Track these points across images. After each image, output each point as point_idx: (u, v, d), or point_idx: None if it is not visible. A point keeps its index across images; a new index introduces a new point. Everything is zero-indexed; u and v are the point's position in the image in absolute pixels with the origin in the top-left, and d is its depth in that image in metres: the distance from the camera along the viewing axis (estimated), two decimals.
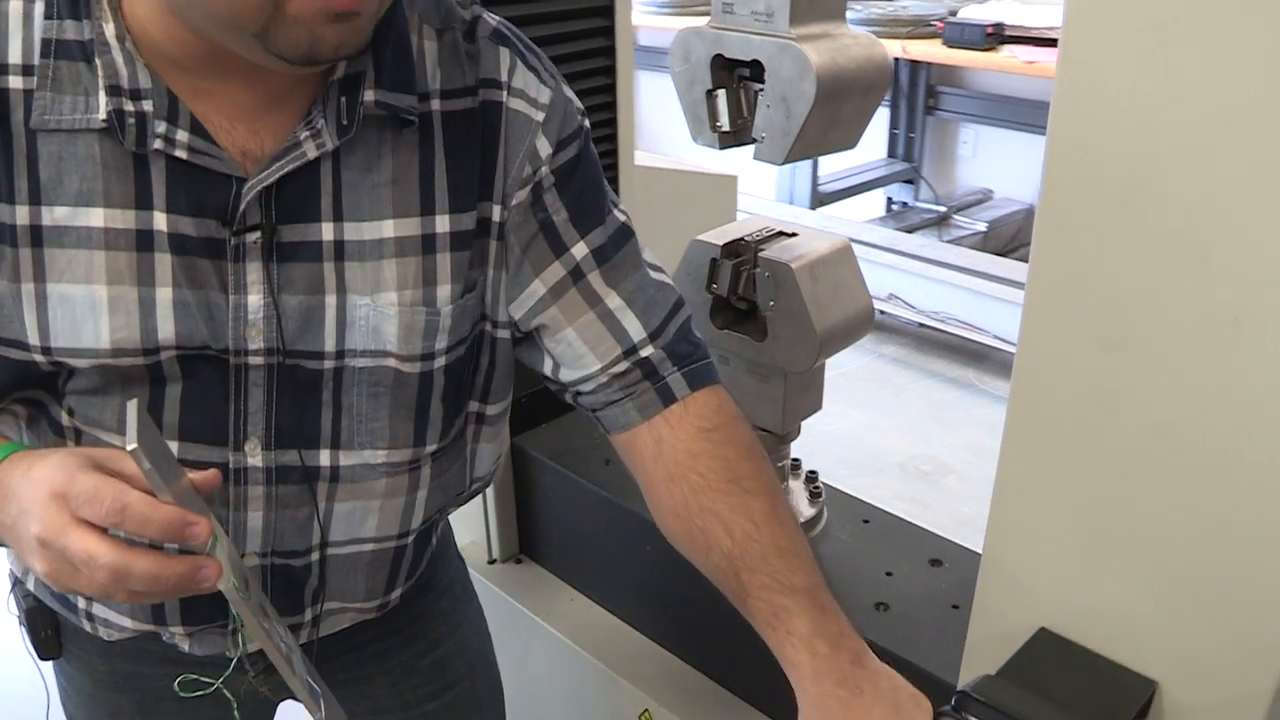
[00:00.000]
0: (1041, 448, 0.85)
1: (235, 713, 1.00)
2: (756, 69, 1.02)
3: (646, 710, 1.32)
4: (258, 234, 0.79)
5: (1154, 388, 0.77)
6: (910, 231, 4.27)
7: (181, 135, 0.76)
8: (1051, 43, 3.50)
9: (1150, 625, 0.83)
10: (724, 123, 1.07)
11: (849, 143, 1.08)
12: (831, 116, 1.01)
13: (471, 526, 1.59)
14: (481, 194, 0.86)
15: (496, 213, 0.87)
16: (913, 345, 3.95)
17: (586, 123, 0.92)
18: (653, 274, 0.94)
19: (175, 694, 1.04)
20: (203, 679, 0.92)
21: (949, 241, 4.20)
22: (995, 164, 4.70)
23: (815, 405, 1.23)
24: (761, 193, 4.52)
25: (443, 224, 0.84)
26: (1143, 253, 0.75)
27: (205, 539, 0.69)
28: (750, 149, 1.07)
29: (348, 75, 0.79)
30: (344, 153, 0.80)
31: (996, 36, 3.54)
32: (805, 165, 4.24)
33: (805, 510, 1.27)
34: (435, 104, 0.84)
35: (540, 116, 0.87)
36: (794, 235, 1.17)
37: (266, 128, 0.79)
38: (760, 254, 1.12)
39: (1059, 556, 0.86)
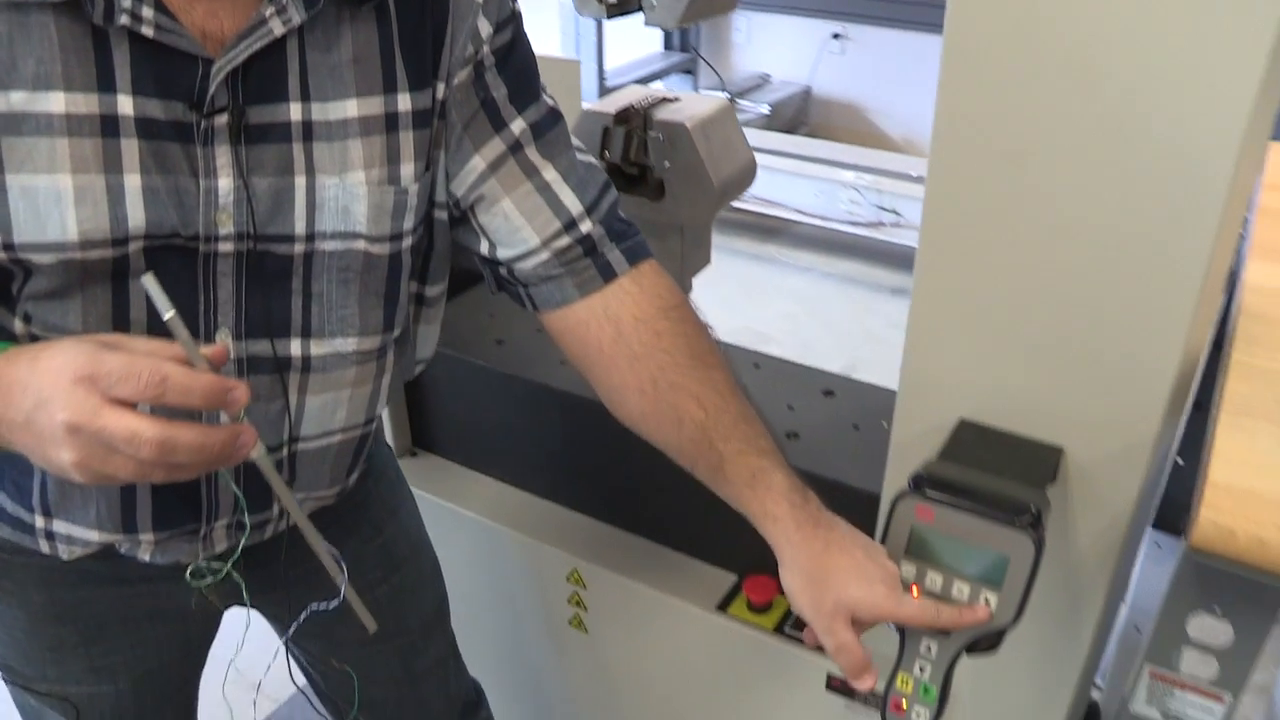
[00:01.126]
0: (951, 256, 0.95)
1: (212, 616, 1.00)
2: None
3: (574, 569, 1.38)
4: (226, 116, 0.79)
5: (1054, 191, 0.88)
6: None
7: (147, 11, 0.74)
8: None
9: (1053, 401, 0.96)
10: None
11: (731, 4, 1.14)
12: None
13: None
14: (434, 72, 0.87)
15: (441, 90, 0.89)
16: (715, 227, 4.09)
17: (519, 7, 0.94)
18: (581, 155, 0.98)
19: (120, 617, 1.04)
20: (212, 565, 0.93)
21: None
22: (770, 49, 4.87)
23: (705, 259, 1.31)
24: None
25: (404, 102, 0.86)
26: (1039, 70, 0.85)
27: (245, 402, 0.70)
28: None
29: None
30: (306, 32, 0.80)
31: None
32: (591, 62, 4.27)
33: None
34: None
35: None
36: (677, 99, 1.23)
37: (225, 8, 0.78)
38: (651, 118, 1.18)
39: (972, 352, 0.98)
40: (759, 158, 3.76)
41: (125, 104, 0.76)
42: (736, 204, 3.89)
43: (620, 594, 1.36)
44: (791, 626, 1.25)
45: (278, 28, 0.78)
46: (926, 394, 1.02)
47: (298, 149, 0.82)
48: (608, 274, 0.95)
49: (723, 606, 1.28)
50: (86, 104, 0.75)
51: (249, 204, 0.82)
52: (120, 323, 0.83)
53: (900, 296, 3.62)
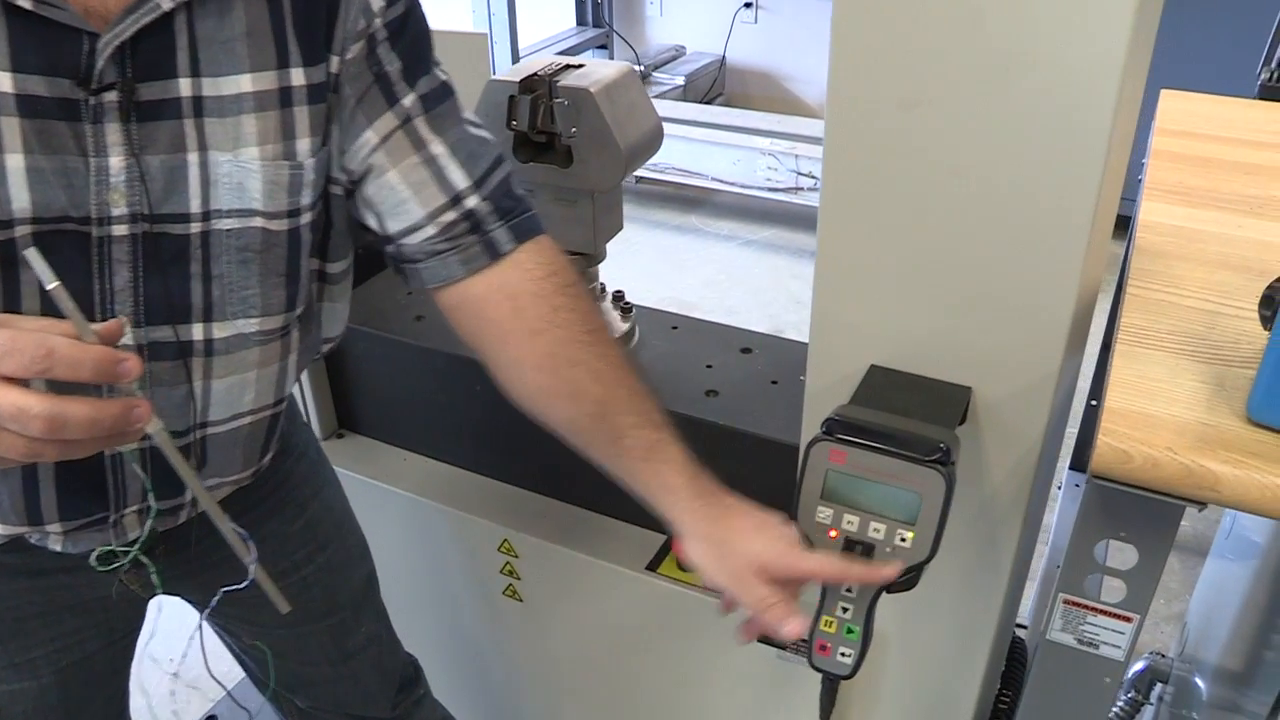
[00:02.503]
0: (853, 206, 0.97)
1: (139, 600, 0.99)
2: None
3: (505, 539, 1.39)
4: (116, 93, 0.77)
5: (947, 136, 0.90)
6: None
7: None
8: None
9: (959, 343, 0.99)
10: None
11: None
12: None
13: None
14: (327, 46, 0.87)
15: (334, 64, 0.88)
16: (635, 199, 4.11)
17: None
18: (474, 129, 0.97)
19: (39, 611, 1.03)
20: (117, 549, 0.92)
21: (654, 98, 4.35)
22: (682, 22, 4.87)
23: (618, 225, 1.32)
24: None
25: (298, 77, 0.85)
26: (925, 18, 0.87)
27: (138, 374, 0.68)
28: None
29: None
30: (196, 6, 0.79)
31: None
32: (504, 38, 4.24)
33: (620, 326, 1.37)
34: None
35: None
36: (582, 66, 1.23)
37: None
38: (557, 85, 1.18)
39: (879, 298, 1.00)
40: (676, 129, 3.79)
41: (4, 81, 0.73)
42: (657, 175, 3.90)
43: (552, 561, 1.37)
44: None
45: (165, 1, 0.77)
46: (837, 342, 1.04)
47: (190, 125, 0.81)
48: (493, 252, 0.94)
49: (652, 566, 1.30)
50: None
51: (143, 183, 0.80)
52: (11, 307, 0.80)
53: None
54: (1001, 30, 0.84)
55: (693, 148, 3.79)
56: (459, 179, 0.93)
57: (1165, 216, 1.16)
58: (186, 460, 0.90)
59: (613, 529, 1.37)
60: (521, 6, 4.28)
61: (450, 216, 0.93)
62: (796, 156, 3.71)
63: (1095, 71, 0.82)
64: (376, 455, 1.55)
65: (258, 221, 0.86)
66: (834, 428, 0.90)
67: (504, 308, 0.94)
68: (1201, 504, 0.82)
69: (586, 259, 1.31)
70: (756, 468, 1.14)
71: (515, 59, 4.37)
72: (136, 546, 0.92)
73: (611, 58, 4.90)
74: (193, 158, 0.82)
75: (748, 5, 4.78)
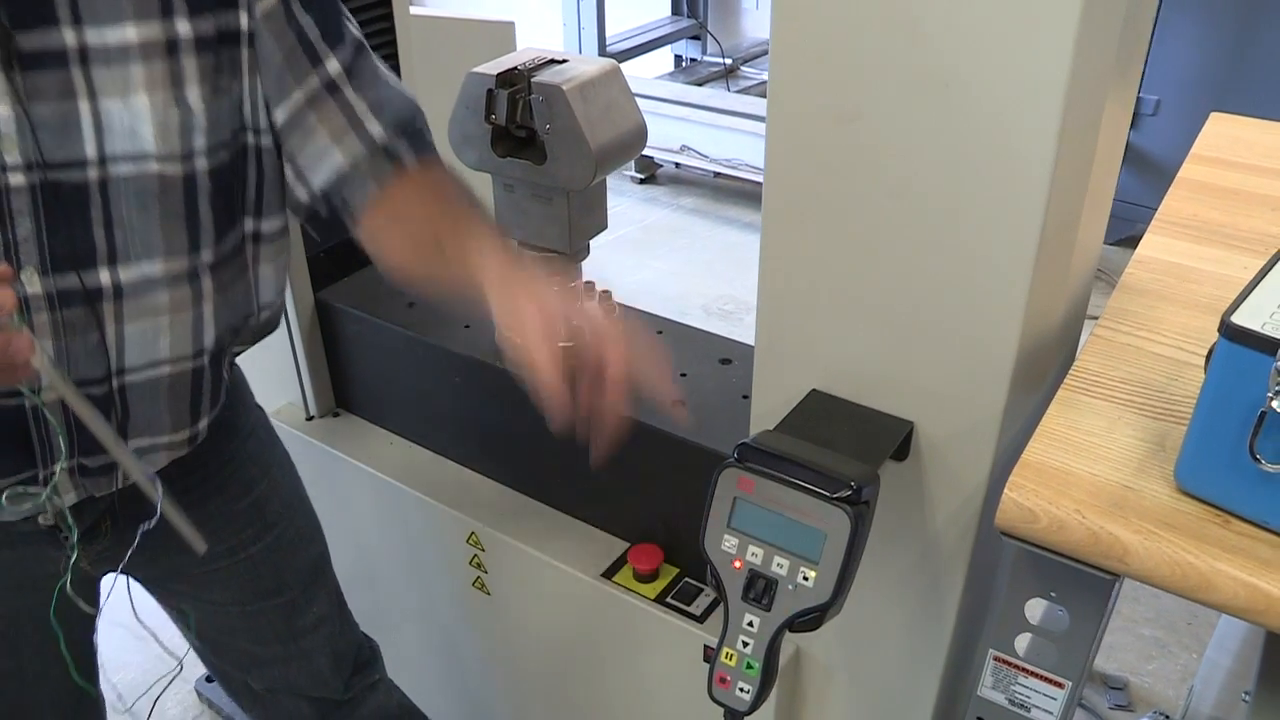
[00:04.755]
0: (794, 222, 0.93)
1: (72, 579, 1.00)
2: None
3: (473, 532, 1.38)
4: None
5: (885, 153, 0.86)
6: (699, 85, 4.34)
7: None
8: None
9: (900, 372, 0.94)
10: None
11: None
12: None
13: (287, 388, 1.61)
14: (223, 1, 0.88)
15: (244, 21, 0.89)
16: (708, 194, 4.06)
17: None
18: (391, 84, 1.00)
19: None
20: (29, 490, 0.93)
21: (737, 93, 4.30)
22: None
23: (600, 224, 1.29)
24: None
25: (184, 27, 0.85)
26: (864, 30, 0.82)
27: (10, 307, 0.71)
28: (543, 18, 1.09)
29: None
30: None
31: None
32: (592, 24, 4.22)
33: None
34: None
35: None
36: (565, 61, 1.21)
37: None
38: (533, 80, 1.16)
39: (820, 319, 0.96)
40: (754, 125, 3.73)
41: None
42: (727, 171, 3.85)
43: (515, 558, 1.35)
44: (674, 597, 1.24)
45: None
46: (779, 364, 1.00)
47: (77, 74, 0.82)
48: (399, 170, 0.99)
49: (608, 574, 1.27)
50: None
51: (32, 131, 0.81)
52: None
53: None
54: (939, 43, 0.79)
55: None
56: (378, 133, 0.97)
57: (1163, 251, 1.09)
58: (106, 415, 0.92)
59: (577, 532, 1.35)
60: None
61: (369, 159, 0.98)
62: None
63: (1037, 89, 0.77)
64: (363, 436, 1.55)
65: (153, 166, 0.88)
66: (745, 454, 0.87)
67: (391, 213, 0.99)
68: (1112, 574, 0.77)
69: (563, 257, 1.28)
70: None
71: (602, 47, 4.36)
72: (49, 487, 0.93)
73: (704, 50, 4.85)
74: (84, 105, 0.83)
75: None
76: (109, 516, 1.03)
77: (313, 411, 1.60)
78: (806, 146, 0.89)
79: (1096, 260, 1.16)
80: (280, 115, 0.94)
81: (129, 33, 0.83)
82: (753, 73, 4.51)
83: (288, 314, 1.53)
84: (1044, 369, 0.99)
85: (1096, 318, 0.98)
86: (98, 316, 0.90)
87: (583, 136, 1.13)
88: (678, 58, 5.01)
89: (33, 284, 0.86)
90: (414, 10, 1.57)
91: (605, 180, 1.24)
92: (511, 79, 1.17)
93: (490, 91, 1.18)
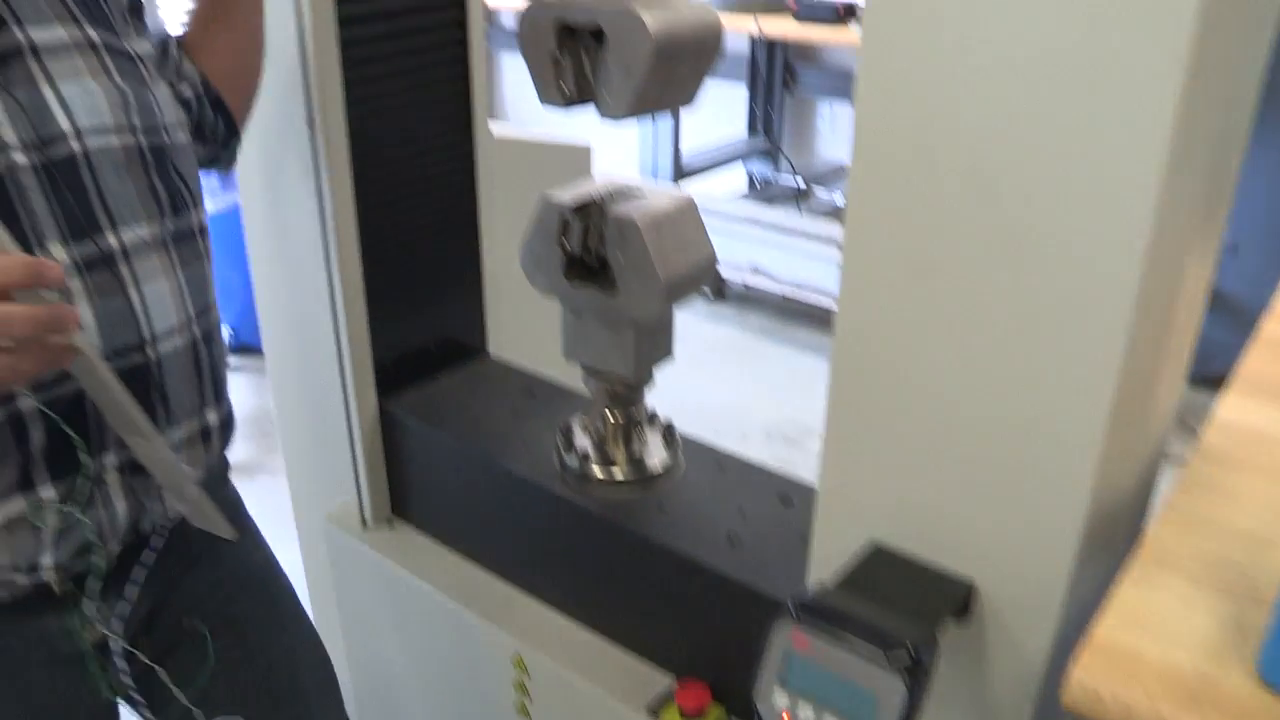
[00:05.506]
0: (864, 370, 0.92)
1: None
2: (598, 34, 1.07)
3: (519, 654, 1.36)
4: None
5: (959, 306, 0.85)
6: (772, 204, 4.39)
7: None
8: None
9: (964, 529, 0.91)
10: (568, 84, 1.12)
11: (685, 100, 1.14)
12: (667, 76, 1.07)
13: (344, 488, 1.61)
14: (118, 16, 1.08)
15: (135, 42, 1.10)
16: (776, 315, 4.06)
17: None
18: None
19: (39, 660, 1.05)
20: (80, 518, 1.01)
21: (809, 214, 4.33)
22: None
23: (666, 352, 1.29)
24: (625, 168, 4.59)
25: (91, 33, 1.03)
26: (940, 185, 0.82)
27: (59, 277, 0.81)
28: (619, 133, 1.13)
29: None
30: None
31: (848, 12, 3.66)
32: (667, 140, 4.30)
33: (662, 458, 1.33)
34: None
35: None
36: (639, 193, 1.22)
37: None
38: (607, 210, 1.17)
39: (885, 470, 0.94)
40: (823, 249, 3.75)
41: None
42: (794, 294, 3.86)
43: (560, 684, 1.33)
44: None
45: None
46: (842, 510, 0.98)
47: (34, 65, 0.97)
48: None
49: (654, 709, 1.24)
50: None
51: (24, 113, 0.94)
52: None
53: None
54: (1015, 201, 0.79)
55: (837, 270, 3.74)
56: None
57: (1244, 415, 1.06)
58: (149, 395, 1.03)
59: (625, 662, 1.32)
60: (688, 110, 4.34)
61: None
62: None
63: (1116, 251, 0.76)
64: (418, 547, 1.55)
65: (114, 139, 1.01)
66: (802, 610, 0.84)
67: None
68: None
69: (628, 386, 1.28)
70: (760, 626, 1.08)
71: (677, 165, 4.43)
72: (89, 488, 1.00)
73: (776, 168, 4.91)
74: (47, 90, 0.97)
75: None
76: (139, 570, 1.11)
77: (367, 516, 1.60)
78: (880, 295, 0.88)
79: (1173, 412, 1.13)
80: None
81: (59, 32, 1.00)
82: (826, 194, 4.55)
83: (350, 418, 1.54)
84: (1115, 531, 0.95)
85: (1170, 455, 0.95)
86: (119, 279, 1.00)
87: (654, 270, 1.14)
88: (750, 176, 5.08)
89: (59, 253, 0.96)
90: (495, 131, 1.61)
91: (674, 311, 1.24)
92: (586, 208, 1.19)
93: (564, 219, 1.19)
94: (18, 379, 0.83)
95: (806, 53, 4.58)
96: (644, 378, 1.28)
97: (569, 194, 1.21)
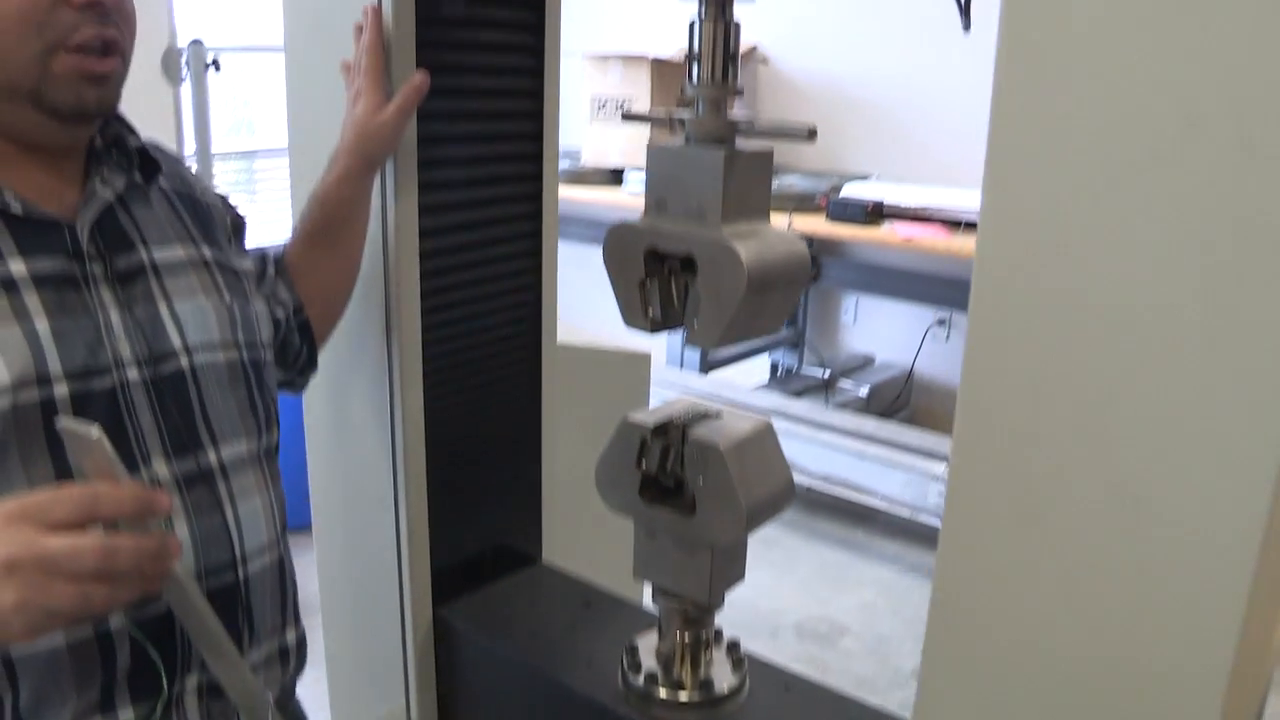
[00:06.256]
0: (965, 617, 0.91)
1: None
2: (687, 261, 1.10)
3: None
4: (100, 264, 1.00)
5: (1067, 559, 0.84)
6: (797, 396, 4.42)
7: (10, 198, 0.95)
8: (925, 219, 3.74)
9: None
10: (655, 310, 1.14)
11: (773, 329, 1.16)
12: (758, 306, 1.09)
13: (390, 694, 1.57)
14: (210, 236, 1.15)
15: (234, 260, 1.17)
16: (803, 508, 4.04)
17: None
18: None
19: None
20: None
21: (834, 406, 4.35)
22: (875, 331, 4.93)
23: (739, 575, 1.27)
24: (653, 358, 4.64)
25: (207, 252, 1.11)
26: (1053, 436, 0.83)
27: (169, 506, 0.82)
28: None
29: (106, 138, 1.06)
30: (127, 198, 1.05)
31: (876, 213, 3.77)
32: None
33: (729, 679, 1.30)
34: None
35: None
36: (718, 415, 1.23)
37: (66, 189, 1.01)
38: (689, 434, 1.18)
39: (987, 709, 0.91)
40: (850, 442, 3.76)
41: (18, 265, 0.94)
42: (821, 487, 3.84)
43: None
44: None
45: (105, 194, 1.03)
46: None
47: (154, 283, 1.04)
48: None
49: None
50: None
51: (140, 331, 1.00)
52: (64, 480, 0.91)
53: None
54: (1132, 454, 0.79)
55: (866, 464, 3.74)
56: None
57: None
58: (235, 614, 1.03)
59: None
60: None
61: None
62: None
63: (1236, 511, 0.75)
64: None
65: (220, 354, 1.07)
66: None
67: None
68: None
69: (699, 606, 1.26)
70: None
71: (704, 353, 4.48)
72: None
73: (800, 359, 4.97)
74: (163, 306, 1.04)
75: (941, 322, 4.80)
76: None
77: None
78: (985, 546, 0.88)
79: None
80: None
81: (178, 251, 1.07)
82: (850, 386, 4.59)
83: (404, 624, 1.52)
84: None
85: None
86: (217, 496, 1.03)
87: (735, 495, 1.14)
88: (774, 366, 5.13)
89: (162, 469, 0.98)
90: (560, 339, 1.63)
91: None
92: (666, 430, 1.20)
93: (644, 441, 1.20)
94: (115, 608, 0.82)
95: (832, 247, 4.69)
96: (718, 601, 1.26)
97: (649, 415, 1.22)
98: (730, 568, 1.25)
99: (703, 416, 1.22)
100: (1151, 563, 0.81)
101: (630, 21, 5.01)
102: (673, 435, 1.19)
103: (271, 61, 4.03)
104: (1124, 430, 0.80)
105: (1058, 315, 0.81)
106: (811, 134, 1.03)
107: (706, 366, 4.58)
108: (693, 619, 1.29)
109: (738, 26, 1.10)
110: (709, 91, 1.10)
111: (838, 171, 4.45)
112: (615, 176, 4.66)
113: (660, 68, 4.30)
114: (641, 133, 4.31)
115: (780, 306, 1.14)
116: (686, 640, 1.31)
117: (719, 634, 1.36)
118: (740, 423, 1.21)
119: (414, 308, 1.39)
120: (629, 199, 4.41)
